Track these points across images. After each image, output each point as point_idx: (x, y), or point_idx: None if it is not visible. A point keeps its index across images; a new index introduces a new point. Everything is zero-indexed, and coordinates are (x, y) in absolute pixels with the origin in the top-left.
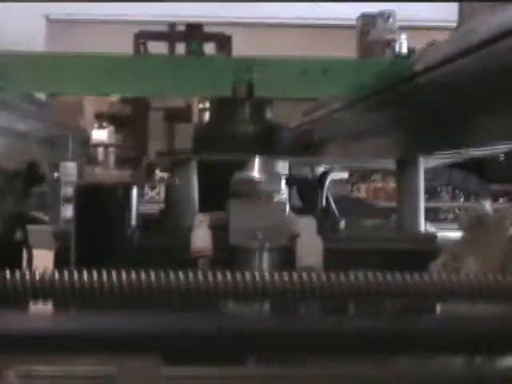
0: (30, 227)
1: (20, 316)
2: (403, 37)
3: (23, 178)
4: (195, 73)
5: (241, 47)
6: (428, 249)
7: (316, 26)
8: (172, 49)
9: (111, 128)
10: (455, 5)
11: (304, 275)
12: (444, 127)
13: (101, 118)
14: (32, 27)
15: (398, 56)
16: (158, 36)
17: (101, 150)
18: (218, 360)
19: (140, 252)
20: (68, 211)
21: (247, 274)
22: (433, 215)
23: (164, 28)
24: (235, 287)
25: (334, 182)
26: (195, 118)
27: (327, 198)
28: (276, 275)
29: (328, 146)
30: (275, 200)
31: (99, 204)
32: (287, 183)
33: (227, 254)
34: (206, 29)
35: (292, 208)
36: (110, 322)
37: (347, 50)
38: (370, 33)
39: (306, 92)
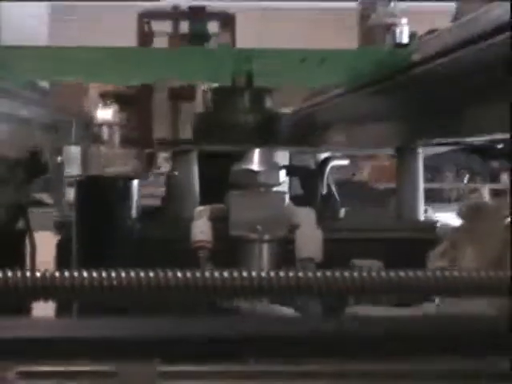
0: (33, 211)
1: (18, 321)
2: (404, 21)
3: (25, 167)
4: (196, 64)
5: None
6: (427, 237)
7: (318, 8)
8: (176, 28)
9: (116, 107)
10: None
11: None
12: (442, 117)
13: (105, 97)
14: (35, 9)
15: (397, 45)
16: (161, 15)
17: (105, 129)
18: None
19: (140, 243)
20: (71, 194)
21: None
22: (437, 195)
23: (168, 7)
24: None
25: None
26: (199, 98)
27: (329, 185)
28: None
29: (327, 134)
30: (275, 191)
31: (100, 195)
32: (288, 173)
33: (227, 246)
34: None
35: (293, 197)
36: (110, 328)
37: (348, 33)
38: (370, 17)
39: (305, 82)
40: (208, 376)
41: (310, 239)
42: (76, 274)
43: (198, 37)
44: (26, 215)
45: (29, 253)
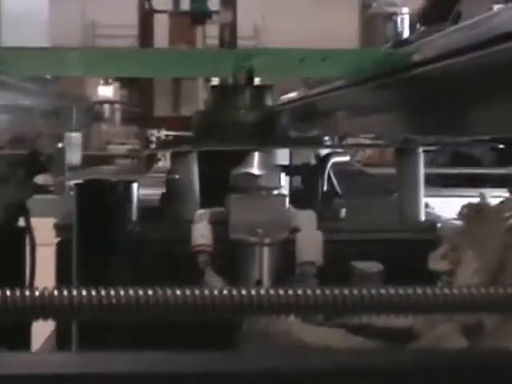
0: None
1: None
2: (405, 10)
3: (25, 165)
4: (197, 64)
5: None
6: (428, 238)
7: None
8: (176, 5)
9: (117, 84)
10: None
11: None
12: (441, 118)
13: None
14: None
15: (397, 44)
16: None
17: (107, 107)
18: None
19: (140, 246)
20: (72, 180)
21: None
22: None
23: None
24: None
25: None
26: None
27: (331, 182)
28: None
29: (327, 128)
30: (275, 194)
31: (100, 199)
32: (288, 172)
33: (227, 249)
34: None
35: (294, 196)
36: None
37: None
38: (371, 6)
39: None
40: None
41: (310, 242)
42: (75, 292)
43: (199, 14)
44: (26, 213)
45: (29, 251)
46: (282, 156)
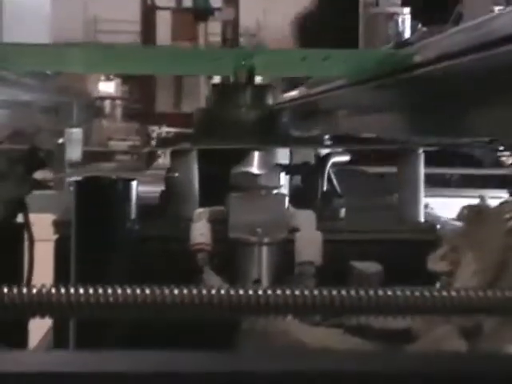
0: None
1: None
2: (406, 11)
3: (24, 161)
4: (198, 62)
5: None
6: (428, 239)
7: None
8: (179, 1)
9: (118, 80)
10: None
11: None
12: (441, 119)
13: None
14: None
15: (399, 45)
16: None
17: (108, 102)
18: None
19: (139, 243)
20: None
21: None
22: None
23: None
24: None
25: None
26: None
27: (331, 181)
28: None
29: (328, 127)
30: (275, 194)
31: (99, 196)
32: (288, 172)
33: (227, 248)
34: None
35: (294, 195)
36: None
37: None
38: (373, 5)
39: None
40: None
41: (309, 242)
42: (73, 290)
43: (201, 11)
44: (25, 210)
45: (27, 247)
46: (282, 155)
